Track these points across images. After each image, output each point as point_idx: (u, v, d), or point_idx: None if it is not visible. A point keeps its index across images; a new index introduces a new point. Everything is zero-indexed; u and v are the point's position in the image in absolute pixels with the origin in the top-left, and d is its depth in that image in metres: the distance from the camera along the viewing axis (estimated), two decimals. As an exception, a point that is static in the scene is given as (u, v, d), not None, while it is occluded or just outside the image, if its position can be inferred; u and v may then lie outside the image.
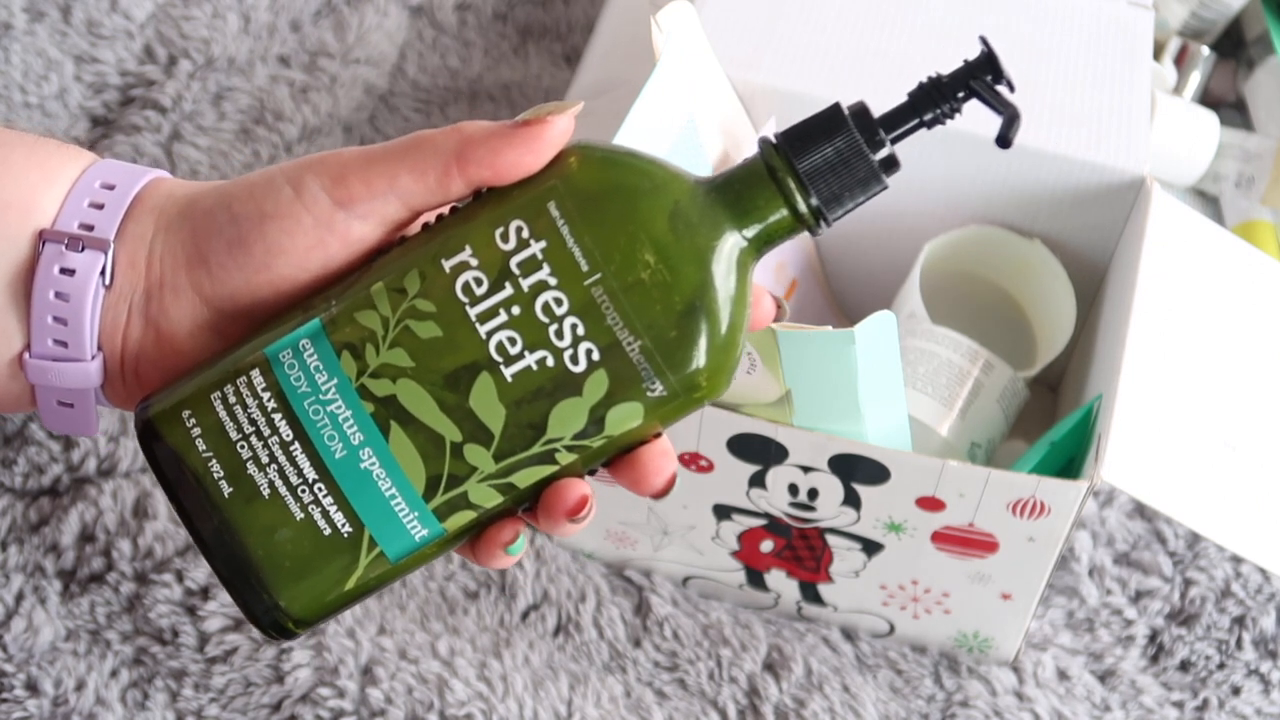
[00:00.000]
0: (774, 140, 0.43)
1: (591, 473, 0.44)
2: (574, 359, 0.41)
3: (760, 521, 0.72)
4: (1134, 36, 0.82)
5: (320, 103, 0.97)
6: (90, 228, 0.44)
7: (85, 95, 0.95)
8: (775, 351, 0.61)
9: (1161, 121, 0.89)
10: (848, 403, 0.63)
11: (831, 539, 0.71)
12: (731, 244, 0.42)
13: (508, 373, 0.41)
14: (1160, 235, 0.73)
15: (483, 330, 0.41)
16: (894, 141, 0.43)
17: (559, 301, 0.41)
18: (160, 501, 0.76)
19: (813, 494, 0.69)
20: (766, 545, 0.73)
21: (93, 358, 0.44)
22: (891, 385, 0.64)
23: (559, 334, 0.41)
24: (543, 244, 0.41)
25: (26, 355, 0.44)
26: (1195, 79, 0.97)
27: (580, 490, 0.43)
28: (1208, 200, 0.95)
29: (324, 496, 0.42)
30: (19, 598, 0.73)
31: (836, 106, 0.43)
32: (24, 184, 0.44)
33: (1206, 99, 0.99)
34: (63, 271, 0.43)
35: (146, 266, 0.44)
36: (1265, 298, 0.75)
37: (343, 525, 0.42)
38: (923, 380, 0.75)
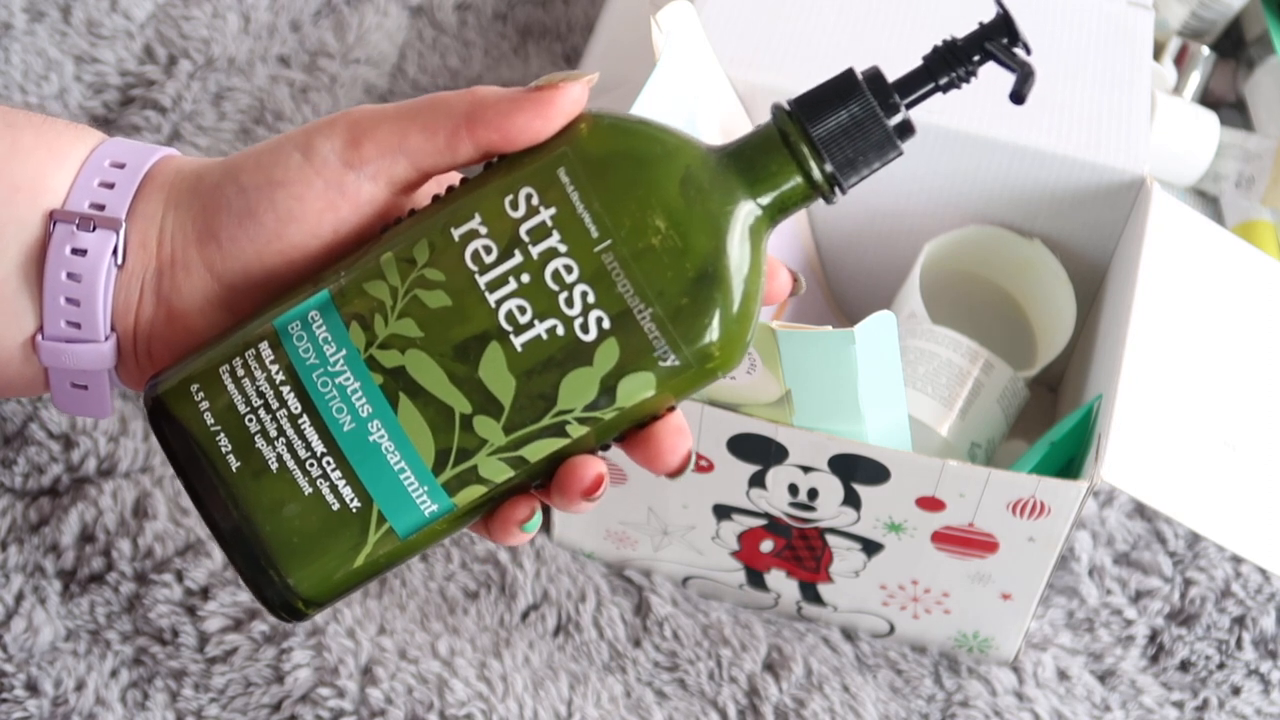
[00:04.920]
0: (787, 106, 0.43)
1: (604, 448, 0.43)
2: (584, 328, 0.41)
3: (760, 521, 0.72)
4: (1134, 36, 0.82)
5: (320, 103, 0.97)
6: (101, 207, 0.44)
7: (85, 95, 0.95)
8: (775, 351, 0.61)
9: (1161, 121, 0.89)
10: (848, 403, 0.63)
11: (831, 539, 0.71)
12: (745, 211, 0.42)
13: (517, 342, 0.41)
14: (1160, 235, 0.73)
15: (492, 299, 0.41)
16: (909, 106, 0.43)
17: (569, 269, 0.41)
18: (160, 501, 0.76)
19: (813, 494, 0.69)
20: (766, 545, 0.73)
21: (106, 338, 0.44)
22: (891, 385, 0.64)
23: (569, 302, 0.41)
24: (552, 211, 0.41)
25: (39, 337, 0.44)
26: (1195, 79, 0.97)
27: (596, 469, 0.42)
28: (1208, 200, 0.94)
29: (332, 470, 0.41)
30: (19, 598, 0.73)
31: (850, 71, 0.43)
32: (33, 165, 0.44)
33: (1206, 99, 0.99)
34: (74, 252, 0.43)
35: (157, 245, 0.44)
36: (1265, 298, 0.75)
37: (351, 500, 0.41)
38: (923, 380, 0.75)
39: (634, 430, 0.43)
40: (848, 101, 0.42)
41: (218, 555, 0.75)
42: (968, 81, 0.43)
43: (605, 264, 0.41)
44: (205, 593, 0.74)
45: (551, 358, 0.41)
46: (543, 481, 0.43)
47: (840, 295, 0.86)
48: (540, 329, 0.41)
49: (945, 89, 0.43)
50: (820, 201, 0.44)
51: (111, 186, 0.44)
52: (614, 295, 0.41)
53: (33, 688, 0.70)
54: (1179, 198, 0.91)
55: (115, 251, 0.43)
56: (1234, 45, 1.01)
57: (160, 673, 0.72)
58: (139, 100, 0.95)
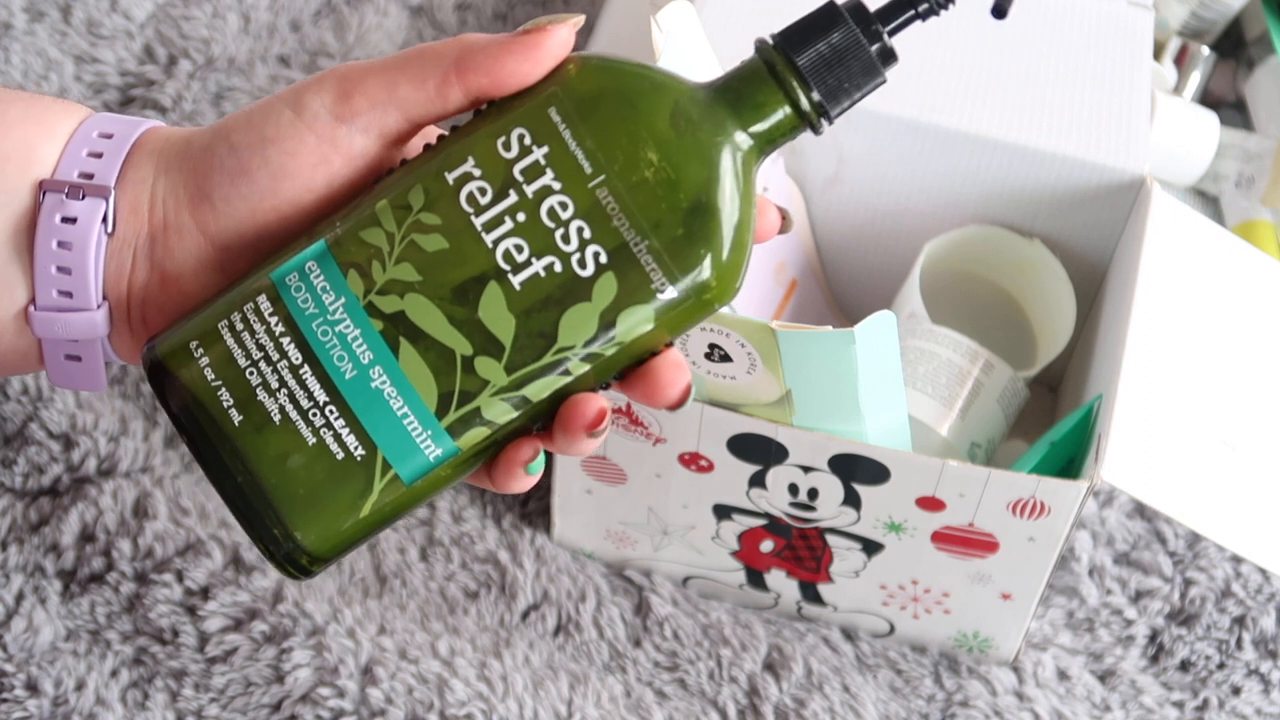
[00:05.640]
0: (771, 39, 0.43)
1: (605, 387, 0.43)
2: (581, 263, 0.41)
3: (760, 521, 0.72)
4: (1134, 36, 0.82)
5: (320, 103, 0.97)
6: (90, 176, 0.44)
7: (85, 95, 0.95)
8: (775, 351, 0.61)
9: (1161, 121, 0.89)
10: (848, 403, 0.63)
11: (831, 539, 0.71)
12: (735, 142, 0.42)
13: (516, 281, 0.41)
14: (1160, 235, 0.73)
15: (489, 239, 0.41)
16: (891, 34, 0.44)
17: (564, 205, 0.41)
18: (160, 501, 0.76)
19: (813, 494, 0.69)
20: (766, 545, 0.73)
21: (98, 306, 0.44)
22: (891, 385, 0.64)
23: (565, 238, 0.41)
24: (545, 149, 0.41)
25: (32, 308, 0.44)
26: (1195, 79, 0.97)
27: (597, 404, 0.42)
28: (1208, 200, 0.94)
29: (335, 419, 0.41)
30: (19, 598, 0.73)
31: (832, 3, 0.43)
32: (22, 137, 0.44)
33: (1206, 99, 0.99)
34: (64, 220, 0.43)
35: (149, 210, 0.44)
36: (1265, 298, 0.75)
37: (355, 448, 0.41)
38: (923, 380, 0.75)
39: (633, 368, 0.43)
40: (831, 31, 0.43)
41: (218, 555, 0.75)
42: (945, 8, 0.44)
43: (600, 199, 0.41)
44: (205, 593, 0.74)
45: (550, 295, 0.41)
46: (544, 424, 0.43)
47: (840, 295, 0.86)
48: (538, 266, 0.41)
49: (924, 16, 0.44)
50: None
51: (100, 156, 0.44)
52: (610, 229, 0.41)
53: (33, 688, 0.70)
54: (1179, 198, 0.91)
55: (105, 219, 0.43)
56: (1234, 45, 1.01)
57: (160, 673, 0.72)
58: (139, 100, 0.95)
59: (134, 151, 0.45)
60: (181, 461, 0.79)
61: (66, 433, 0.78)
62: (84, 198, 0.43)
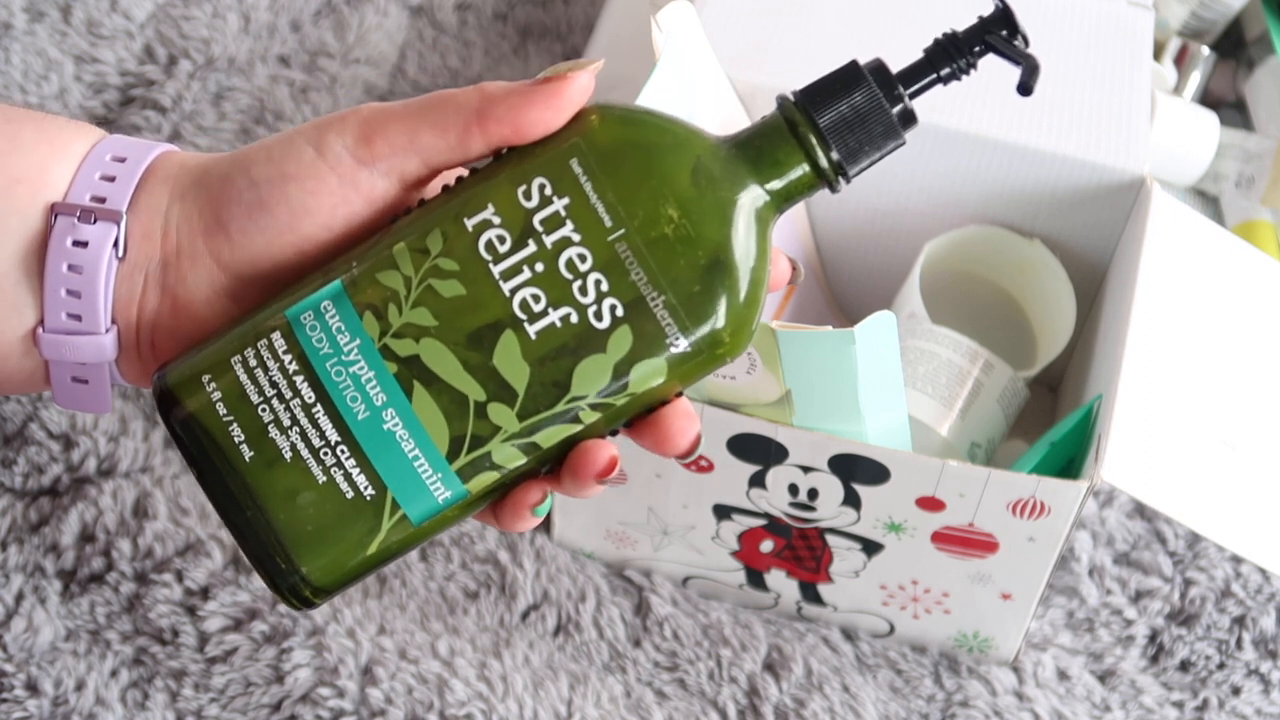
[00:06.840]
0: (793, 96, 0.43)
1: (613, 433, 0.44)
2: (598, 315, 0.42)
3: (760, 521, 0.72)
4: (1134, 36, 0.82)
5: (320, 103, 0.97)
6: (102, 200, 0.44)
7: (85, 95, 0.95)
8: (775, 351, 0.61)
9: (1161, 121, 0.89)
10: (848, 403, 0.63)
11: (831, 539, 0.71)
12: (753, 199, 0.43)
13: (531, 330, 0.41)
14: (1160, 235, 0.73)
15: (506, 288, 0.42)
16: (912, 97, 0.44)
17: (583, 258, 0.42)
18: (160, 501, 0.76)
19: (813, 494, 0.69)
20: (766, 545, 0.73)
21: (107, 330, 0.44)
22: (891, 385, 0.64)
23: (583, 290, 0.42)
24: (566, 200, 0.42)
25: (40, 330, 0.44)
26: (1195, 79, 0.97)
27: (609, 451, 0.43)
28: (1208, 200, 0.94)
29: (346, 459, 0.42)
30: (19, 598, 0.73)
31: (854, 63, 0.44)
32: (34, 159, 0.44)
33: (1206, 99, 0.99)
34: (75, 244, 0.43)
35: (162, 236, 0.44)
36: (1265, 298, 0.75)
37: (365, 488, 0.42)
38: (923, 380, 0.75)
39: (642, 415, 0.44)
40: (852, 92, 0.43)
41: (218, 555, 0.75)
42: (967, 73, 0.44)
43: (619, 253, 0.41)
44: (205, 593, 0.74)
45: (565, 345, 0.42)
46: (551, 467, 0.44)
47: (840, 295, 0.86)
48: (554, 317, 0.42)
49: (946, 80, 0.44)
50: (824, 191, 0.44)
51: (112, 180, 0.44)
52: (627, 283, 0.41)
53: (33, 688, 0.70)
54: (1179, 198, 0.91)
55: (116, 243, 0.44)
56: (1234, 45, 1.01)
57: (160, 673, 0.72)
58: (139, 100, 0.95)
59: (147, 176, 0.45)
60: (181, 462, 0.79)
61: (66, 433, 0.78)
62: (95, 222, 0.43)
